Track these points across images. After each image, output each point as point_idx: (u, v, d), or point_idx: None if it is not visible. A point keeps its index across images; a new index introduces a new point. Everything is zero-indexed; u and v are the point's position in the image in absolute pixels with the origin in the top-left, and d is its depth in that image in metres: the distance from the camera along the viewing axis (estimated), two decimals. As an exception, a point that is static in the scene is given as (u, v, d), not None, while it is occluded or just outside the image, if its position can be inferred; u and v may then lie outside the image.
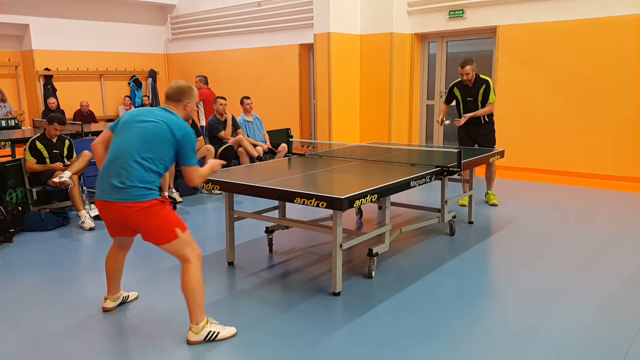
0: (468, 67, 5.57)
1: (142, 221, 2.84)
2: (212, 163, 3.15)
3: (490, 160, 5.27)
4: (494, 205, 6.01)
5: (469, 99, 5.76)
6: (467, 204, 5.71)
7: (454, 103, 6.03)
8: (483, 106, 5.75)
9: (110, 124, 3.14)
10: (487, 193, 6.18)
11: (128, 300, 3.47)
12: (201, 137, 7.13)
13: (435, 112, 9.14)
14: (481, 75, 5.75)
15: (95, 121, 10.93)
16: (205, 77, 9.25)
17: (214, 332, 2.95)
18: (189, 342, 2.91)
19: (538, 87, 7.67)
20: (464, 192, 5.36)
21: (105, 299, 3.35)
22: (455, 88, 5.85)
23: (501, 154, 5.44)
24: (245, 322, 3.18)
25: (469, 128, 5.87)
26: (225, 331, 3.00)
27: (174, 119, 2.89)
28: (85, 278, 4.01)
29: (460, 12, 8.21)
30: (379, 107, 9.02)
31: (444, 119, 5.93)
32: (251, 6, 10.79)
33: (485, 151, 5.35)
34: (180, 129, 2.86)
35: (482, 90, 5.69)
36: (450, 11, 8.32)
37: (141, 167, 2.80)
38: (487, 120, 5.81)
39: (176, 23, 12.59)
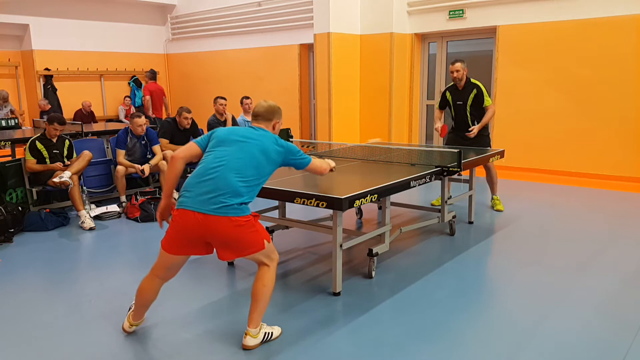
0: (458, 64, 5.46)
1: (237, 236, 2.73)
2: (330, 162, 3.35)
3: (490, 161, 5.26)
4: (499, 211, 5.79)
5: (458, 102, 5.63)
6: (439, 203, 5.76)
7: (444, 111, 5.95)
8: (472, 111, 5.60)
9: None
10: (492, 198, 5.97)
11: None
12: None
13: (430, 112, 9.13)
14: (472, 80, 5.60)
15: (95, 121, 10.93)
16: (153, 72, 9.28)
17: (269, 333, 2.95)
18: (246, 348, 2.85)
19: (538, 87, 7.67)
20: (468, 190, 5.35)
21: (131, 324, 3.05)
22: (447, 92, 5.73)
23: (501, 154, 5.44)
24: (245, 322, 3.17)
25: (459, 133, 5.72)
26: (276, 331, 3.00)
27: (272, 135, 2.93)
28: (85, 278, 4.01)
29: (460, 12, 8.21)
30: (379, 107, 9.02)
31: (440, 127, 5.68)
32: (251, 6, 10.80)
33: (485, 151, 5.34)
34: (283, 144, 2.92)
35: (472, 94, 5.54)
36: (450, 11, 8.32)
37: (243, 183, 2.74)
38: (475, 124, 5.60)
39: (176, 23, 12.59)
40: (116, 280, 3.91)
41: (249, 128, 2.94)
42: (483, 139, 5.72)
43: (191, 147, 2.90)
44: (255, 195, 2.85)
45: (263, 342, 2.91)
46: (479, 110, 5.62)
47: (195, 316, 3.28)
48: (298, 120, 10.49)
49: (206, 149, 2.88)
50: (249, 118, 7.73)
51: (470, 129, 5.54)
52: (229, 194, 2.69)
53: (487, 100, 5.56)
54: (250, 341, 2.86)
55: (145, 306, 3.02)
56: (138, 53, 12.62)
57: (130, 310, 3.08)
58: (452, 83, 5.70)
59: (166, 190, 2.90)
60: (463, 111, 5.64)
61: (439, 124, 5.72)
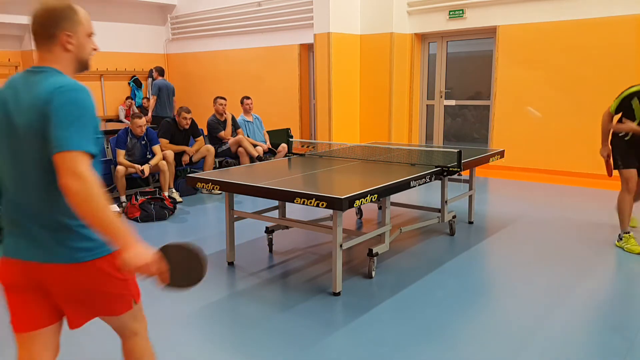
0: None
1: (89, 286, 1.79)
2: None
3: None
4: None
5: None
6: (637, 225, 4.87)
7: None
8: None
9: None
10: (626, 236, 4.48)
11: None
12: (201, 137, 7.13)
13: (430, 112, 9.13)
14: None
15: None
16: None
17: None
18: None
19: (538, 87, 7.67)
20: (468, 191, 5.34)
21: None
22: (635, 99, 4.22)
23: (501, 154, 5.43)
24: (245, 322, 3.18)
25: None
26: None
27: (48, 86, 1.68)
28: (85, 278, 4.00)
29: (460, 12, 8.21)
30: (379, 107, 9.02)
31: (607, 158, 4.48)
32: (251, 6, 10.79)
33: (487, 151, 5.34)
34: (59, 94, 1.67)
35: None
36: (450, 11, 8.32)
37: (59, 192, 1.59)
38: None
39: (176, 23, 12.59)
40: (116, 280, 3.91)
41: (16, 83, 1.77)
42: None
43: None
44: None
45: None
46: None
47: (196, 316, 3.28)
48: (298, 120, 10.48)
49: None
50: (249, 118, 7.74)
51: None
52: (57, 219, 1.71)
53: None
54: None
55: None
56: (138, 53, 12.62)
57: None
58: None
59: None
60: None
61: (605, 150, 4.49)
